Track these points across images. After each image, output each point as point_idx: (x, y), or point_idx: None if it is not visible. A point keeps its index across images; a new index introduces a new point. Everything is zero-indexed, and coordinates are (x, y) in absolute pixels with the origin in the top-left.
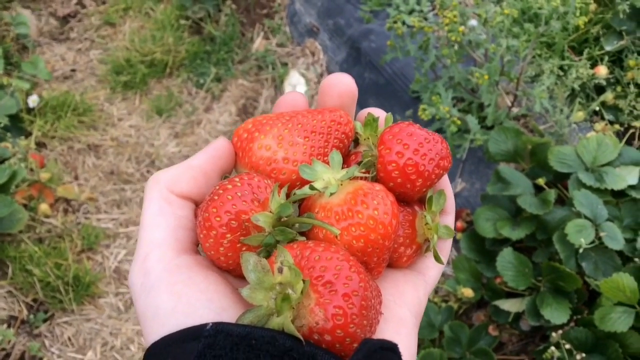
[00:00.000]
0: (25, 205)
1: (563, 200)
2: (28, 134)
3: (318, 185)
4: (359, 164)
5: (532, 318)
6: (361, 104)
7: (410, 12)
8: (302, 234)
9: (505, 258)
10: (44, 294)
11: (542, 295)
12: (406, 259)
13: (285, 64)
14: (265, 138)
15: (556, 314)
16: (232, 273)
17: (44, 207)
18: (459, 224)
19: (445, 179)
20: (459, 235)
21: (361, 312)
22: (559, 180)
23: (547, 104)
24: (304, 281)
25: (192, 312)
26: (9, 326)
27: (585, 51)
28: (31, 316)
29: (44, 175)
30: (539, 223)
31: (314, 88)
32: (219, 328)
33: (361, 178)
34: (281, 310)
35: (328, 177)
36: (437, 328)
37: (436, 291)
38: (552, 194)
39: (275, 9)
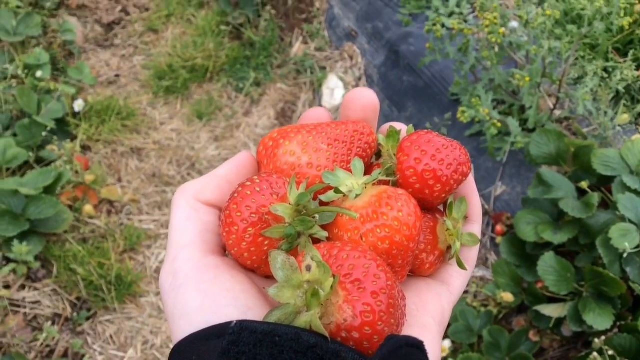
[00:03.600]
0: (70, 207)
1: (607, 205)
2: (73, 138)
3: (343, 189)
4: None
5: (574, 324)
6: (400, 107)
7: (450, 15)
8: (324, 229)
9: (547, 262)
10: (87, 292)
11: (584, 300)
12: (429, 265)
13: (323, 68)
14: (290, 144)
15: (599, 319)
16: (257, 272)
17: (88, 208)
18: (499, 227)
19: (473, 187)
20: (499, 239)
21: (389, 310)
22: (603, 184)
23: (591, 107)
24: (333, 276)
25: (218, 309)
26: (53, 323)
27: (630, 52)
28: (75, 314)
29: (89, 178)
30: (581, 227)
31: None
32: (243, 325)
33: (382, 184)
34: (311, 306)
35: (351, 183)
36: (475, 333)
37: (475, 296)
38: (595, 197)
39: (314, 13)
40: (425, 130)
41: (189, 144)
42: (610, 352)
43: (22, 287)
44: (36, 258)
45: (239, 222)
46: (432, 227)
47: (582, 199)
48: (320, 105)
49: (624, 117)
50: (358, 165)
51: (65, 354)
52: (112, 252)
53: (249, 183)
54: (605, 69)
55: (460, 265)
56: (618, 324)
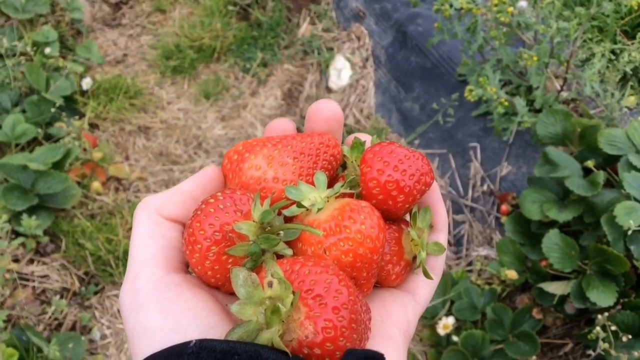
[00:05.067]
0: (78, 183)
1: (612, 185)
2: (81, 115)
3: (305, 203)
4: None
5: (577, 301)
6: (407, 88)
7: None
8: (288, 243)
9: (552, 239)
10: (95, 267)
11: (588, 277)
12: (395, 276)
13: (330, 49)
14: (255, 158)
15: (602, 296)
16: (221, 289)
17: (96, 185)
18: (504, 207)
19: (438, 196)
20: (504, 219)
21: (351, 325)
22: (609, 164)
23: (598, 88)
24: (293, 293)
25: (179, 329)
26: (61, 297)
27: (638, 35)
28: (83, 288)
29: (97, 155)
30: (586, 205)
31: (359, 72)
32: (202, 345)
33: (346, 196)
34: (270, 323)
35: (314, 196)
36: (479, 310)
37: (479, 274)
38: (601, 176)
39: None
40: (388, 142)
41: (196, 123)
42: (613, 328)
43: (31, 261)
44: (45, 233)
45: (202, 240)
46: (397, 237)
47: (588, 177)
48: (327, 87)
49: (631, 99)
50: (321, 178)
51: (73, 327)
52: (119, 228)
53: (212, 200)
54: (612, 51)
55: (426, 275)
56: (621, 301)
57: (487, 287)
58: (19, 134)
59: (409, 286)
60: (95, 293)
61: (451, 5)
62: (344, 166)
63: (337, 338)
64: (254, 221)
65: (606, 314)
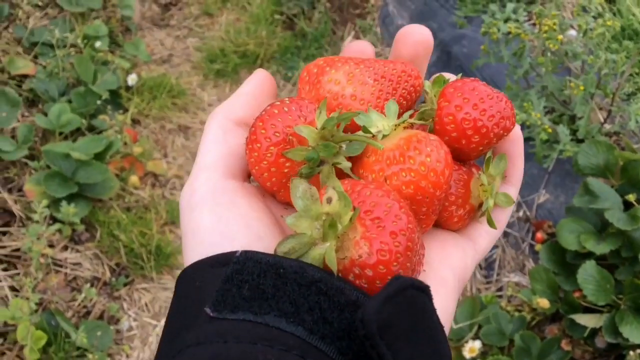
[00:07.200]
0: (117, 175)
1: None
2: (125, 110)
3: (372, 130)
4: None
5: (609, 335)
6: None
7: (506, 21)
8: (350, 160)
9: (588, 271)
10: (127, 259)
11: (622, 312)
12: (457, 219)
13: None
14: (336, 73)
15: (636, 332)
16: (276, 196)
17: (134, 179)
18: (539, 235)
19: (519, 149)
20: (539, 247)
21: (406, 252)
22: None
23: None
24: (354, 208)
25: (228, 233)
26: (91, 286)
27: None
28: (113, 279)
29: (137, 150)
30: (625, 239)
31: None
32: (248, 255)
33: (418, 129)
34: (327, 236)
35: (382, 124)
36: (507, 336)
37: (509, 300)
38: None
39: (368, 9)
40: (472, 78)
41: None
42: None
43: (65, 247)
44: (81, 221)
45: (262, 139)
46: (466, 180)
47: (628, 211)
48: None
49: None
50: (392, 107)
51: (101, 317)
52: (154, 223)
53: (278, 103)
54: None
55: (491, 223)
56: None
57: (516, 314)
58: (63, 123)
59: (470, 232)
60: (125, 285)
61: (498, 30)
62: (422, 101)
63: (391, 262)
64: (316, 128)
65: (638, 350)
